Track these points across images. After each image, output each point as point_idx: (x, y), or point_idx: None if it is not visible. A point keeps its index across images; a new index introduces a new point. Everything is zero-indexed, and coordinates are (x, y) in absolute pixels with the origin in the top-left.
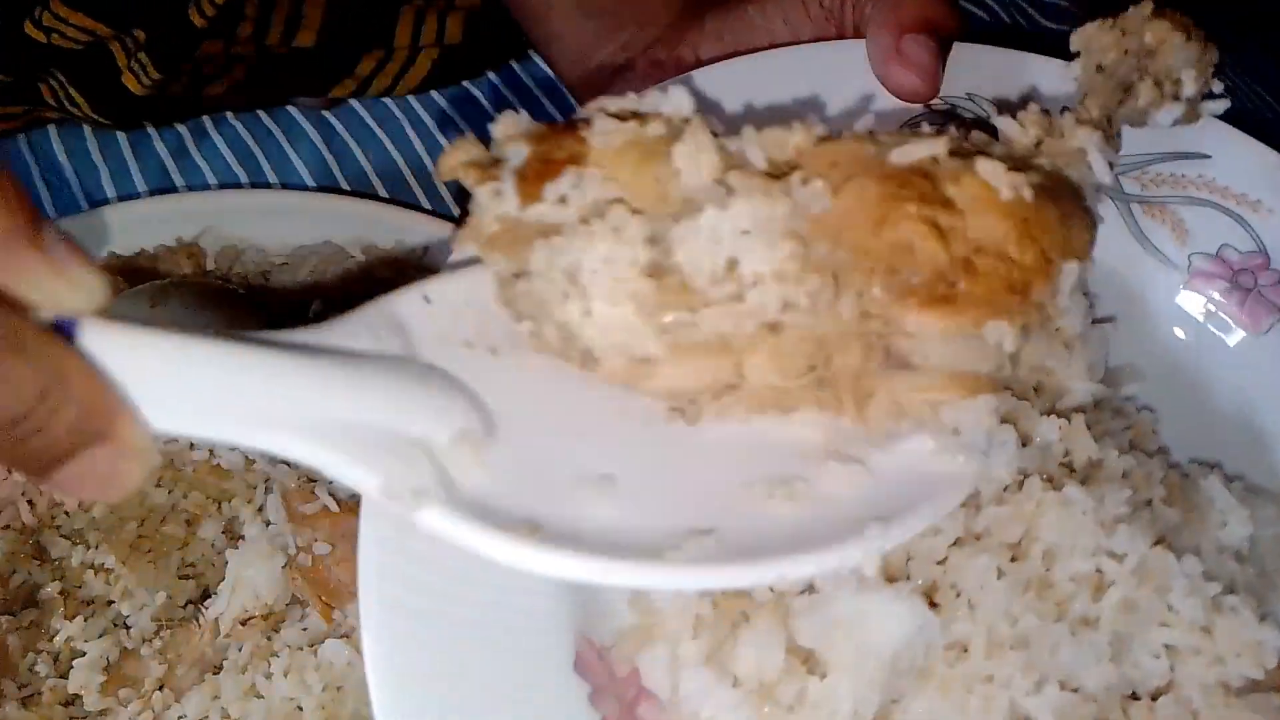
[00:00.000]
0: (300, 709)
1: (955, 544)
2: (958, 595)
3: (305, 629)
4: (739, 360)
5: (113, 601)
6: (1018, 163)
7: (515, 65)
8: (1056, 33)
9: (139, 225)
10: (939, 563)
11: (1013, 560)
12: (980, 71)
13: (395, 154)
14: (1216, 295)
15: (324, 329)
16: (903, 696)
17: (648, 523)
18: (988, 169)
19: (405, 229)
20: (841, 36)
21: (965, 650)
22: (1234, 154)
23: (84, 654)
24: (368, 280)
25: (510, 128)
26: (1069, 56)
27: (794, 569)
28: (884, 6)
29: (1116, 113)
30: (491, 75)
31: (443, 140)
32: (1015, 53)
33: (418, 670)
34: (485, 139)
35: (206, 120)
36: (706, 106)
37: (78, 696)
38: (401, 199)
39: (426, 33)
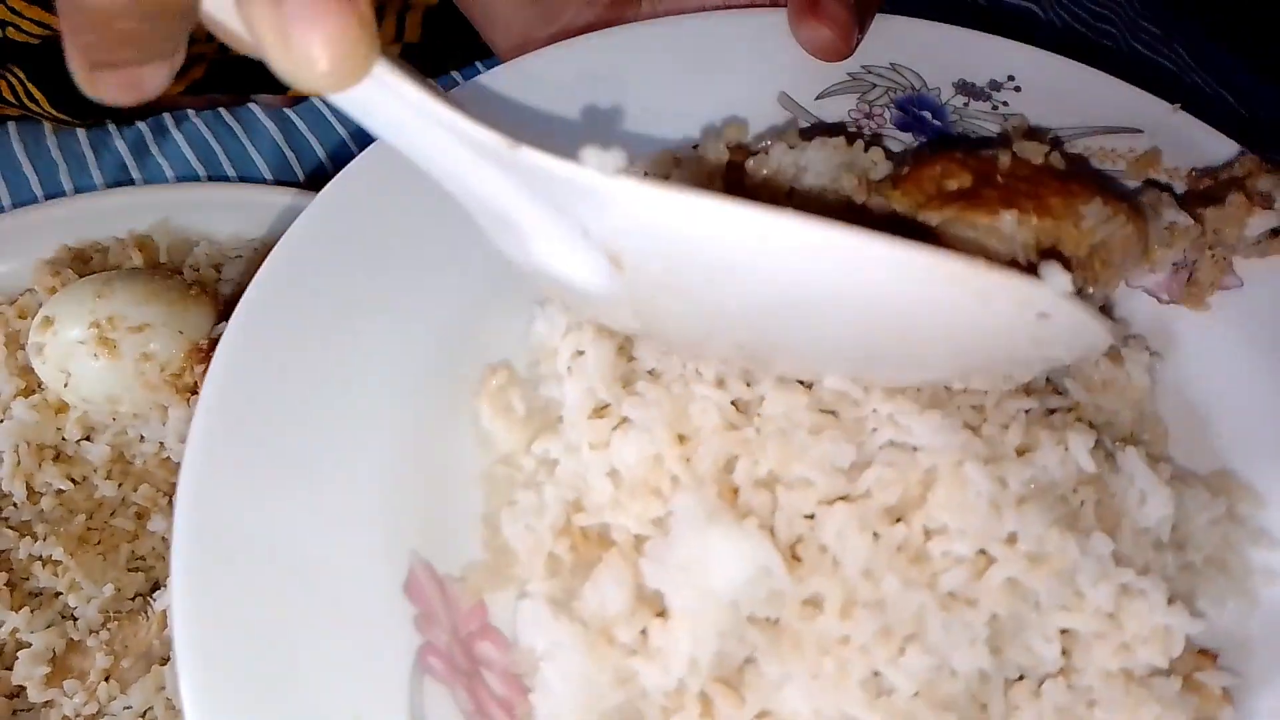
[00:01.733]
0: None
1: (829, 503)
2: (823, 551)
3: None
4: None
5: (60, 594)
6: None
7: (479, 64)
8: (1015, 9)
9: (92, 217)
10: (807, 517)
11: (896, 523)
12: (908, 43)
13: (356, 151)
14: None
15: None
16: (756, 654)
17: None
18: (1024, 145)
19: None
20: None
21: (820, 608)
22: (1166, 128)
23: (29, 645)
24: None
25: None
26: (1021, 36)
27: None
28: None
29: (1204, 212)
30: (452, 74)
31: None
32: (946, 27)
33: (223, 591)
34: None
35: (167, 117)
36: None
37: (22, 688)
38: None
39: (385, 31)
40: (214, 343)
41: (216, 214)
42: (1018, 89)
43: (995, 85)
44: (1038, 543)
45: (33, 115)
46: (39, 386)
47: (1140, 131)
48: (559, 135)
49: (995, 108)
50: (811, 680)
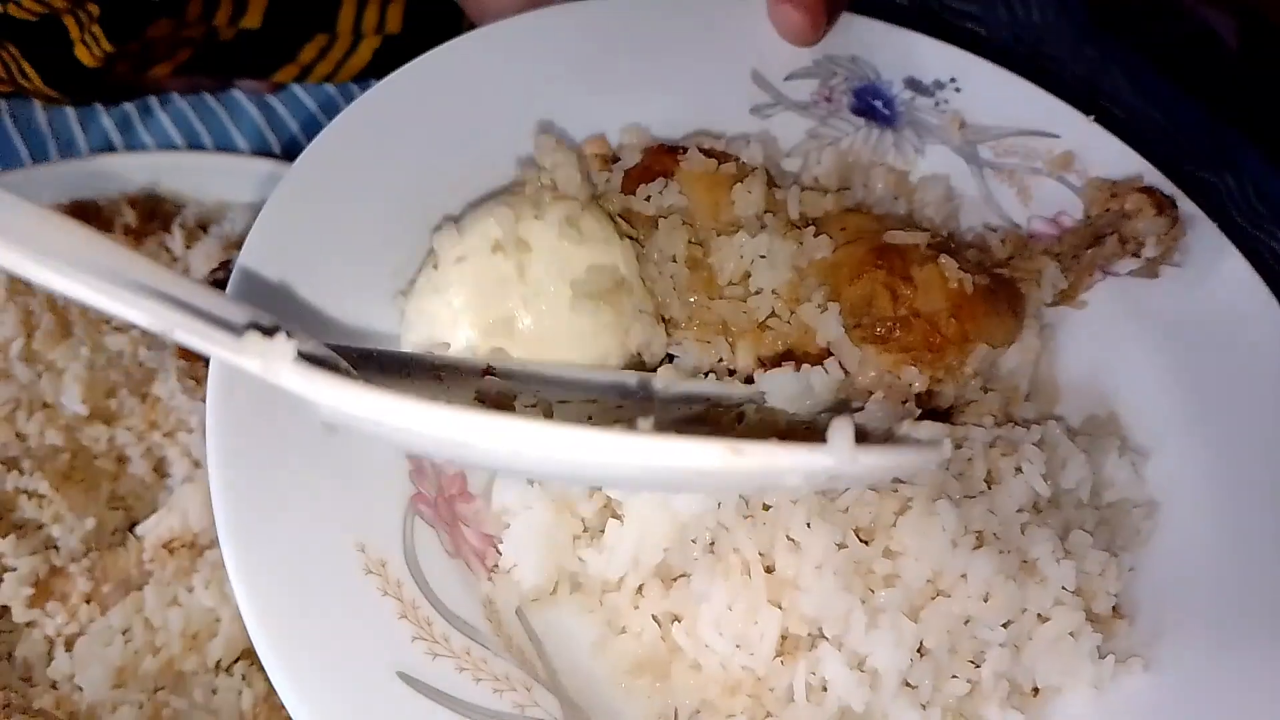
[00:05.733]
0: (218, 619)
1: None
2: (788, 538)
3: None
4: (733, 343)
5: (44, 525)
6: (987, 264)
7: None
8: (960, 12)
9: (85, 179)
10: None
11: (859, 539)
12: (868, 40)
13: None
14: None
15: None
16: (692, 571)
17: None
18: (947, 263)
19: None
20: None
21: (769, 569)
22: (1080, 136)
23: (14, 569)
24: None
25: (632, 136)
26: (962, 41)
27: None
28: None
29: (1084, 253)
30: None
31: None
32: (903, 30)
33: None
34: None
35: (152, 99)
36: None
37: (6, 608)
38: None
39: (368, 20)
40: None
41: (201, 178)
42: (958, 89)
43: (939, 85)
44: (985, 585)
45: (24, 92)
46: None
47: (1058, 136)
48: (533, 103)
49: (938, 104)
50: (725, 609)
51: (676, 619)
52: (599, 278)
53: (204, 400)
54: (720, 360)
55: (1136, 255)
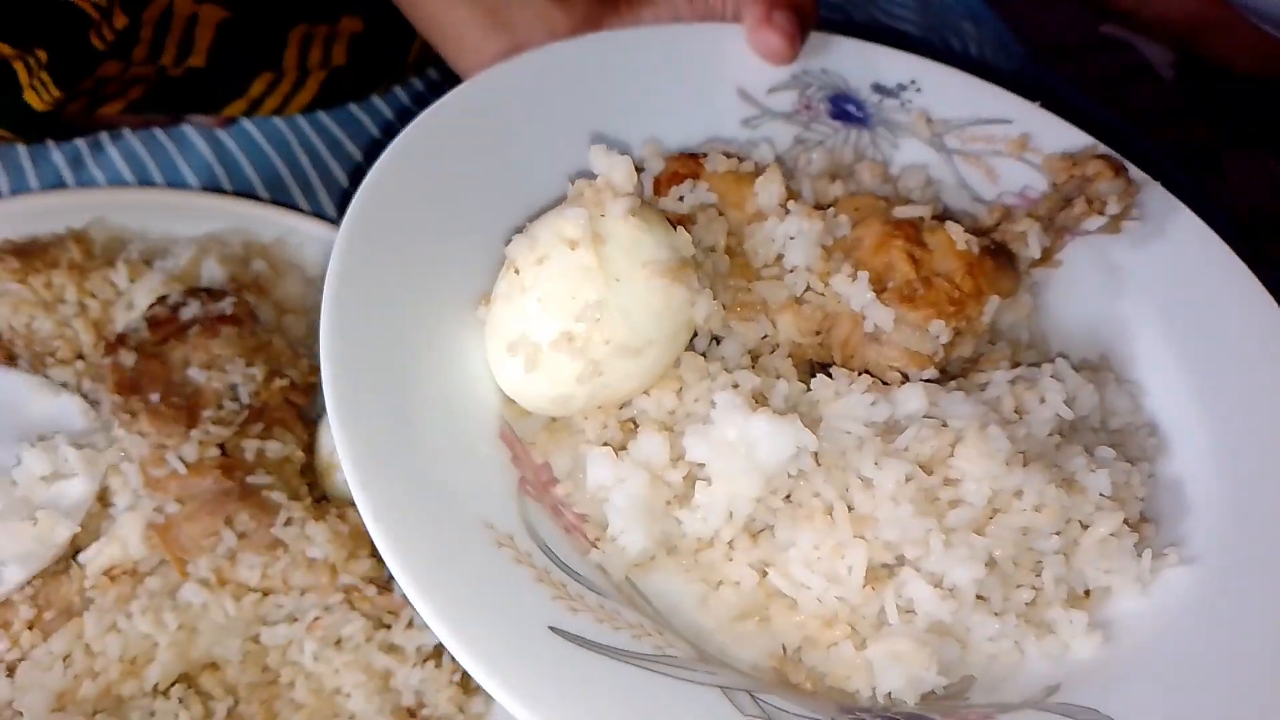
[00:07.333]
0: (156, 645)
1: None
2: (860, 479)
3: (166, 580)
4: (774, 319)
5: None
6: (979, 230)
7: (398, 89)
8: (890, 29)
9: (32, 215)
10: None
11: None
12: (835, 54)
13: (283, 169)
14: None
15: None
16: (775, 522)
17: None
18: (953, 228)
19: (281, 225)
20: None
21: (850, 507)
22: (1031, 120)
23: None
24: (244, 269)
25: (650, 150)
26: (899, 44)
27: None
28: None
29: (1057, 216)
30: (375, 98)
31: (330, 159)
32: (864, 42)
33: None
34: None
35: (103, 135)
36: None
37: None
38: (281, 201)
39: (313, 56)
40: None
41: (146, 214)
42: (919, 90)
43: (902, 87)
44: (1038, 496)
45: None
46: None
47: (1010, 122)
48: (563, 128)
49: (903, 104)
50: (812, 550)
51: (768, 566)
52: (669, 257)
53: (140, 434)
54: (765, 336)
55: (1101, 214)
